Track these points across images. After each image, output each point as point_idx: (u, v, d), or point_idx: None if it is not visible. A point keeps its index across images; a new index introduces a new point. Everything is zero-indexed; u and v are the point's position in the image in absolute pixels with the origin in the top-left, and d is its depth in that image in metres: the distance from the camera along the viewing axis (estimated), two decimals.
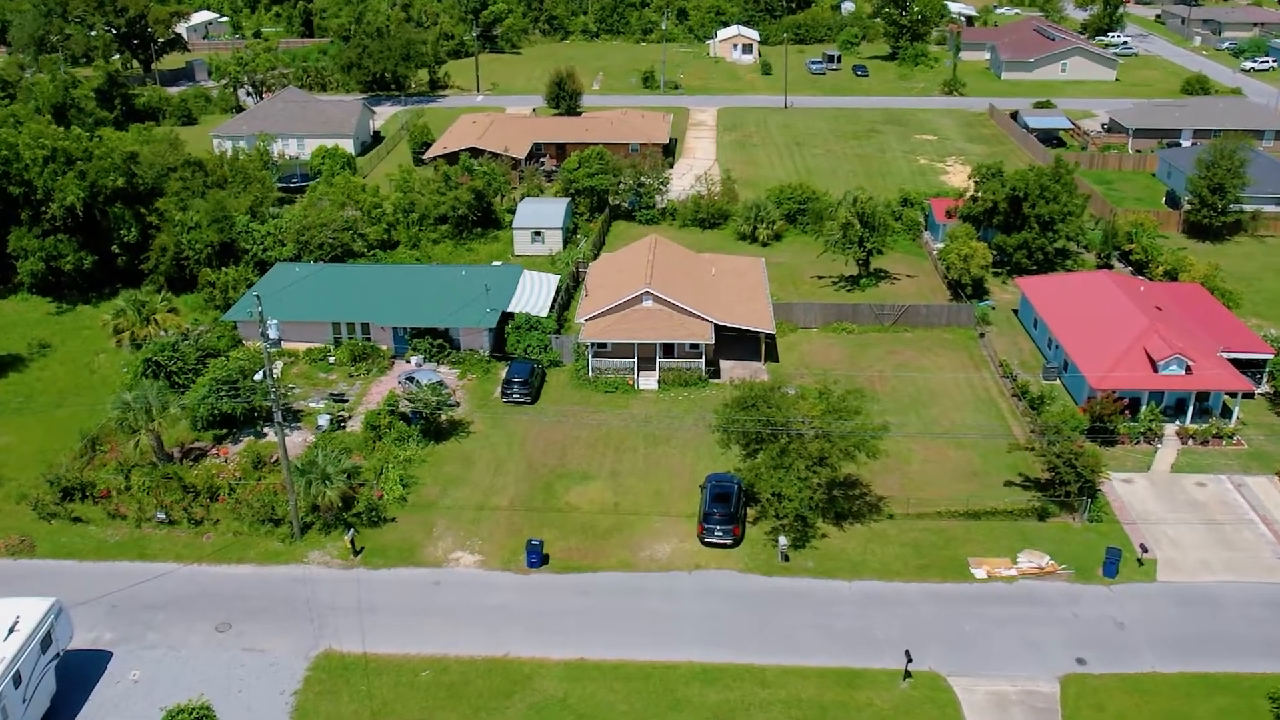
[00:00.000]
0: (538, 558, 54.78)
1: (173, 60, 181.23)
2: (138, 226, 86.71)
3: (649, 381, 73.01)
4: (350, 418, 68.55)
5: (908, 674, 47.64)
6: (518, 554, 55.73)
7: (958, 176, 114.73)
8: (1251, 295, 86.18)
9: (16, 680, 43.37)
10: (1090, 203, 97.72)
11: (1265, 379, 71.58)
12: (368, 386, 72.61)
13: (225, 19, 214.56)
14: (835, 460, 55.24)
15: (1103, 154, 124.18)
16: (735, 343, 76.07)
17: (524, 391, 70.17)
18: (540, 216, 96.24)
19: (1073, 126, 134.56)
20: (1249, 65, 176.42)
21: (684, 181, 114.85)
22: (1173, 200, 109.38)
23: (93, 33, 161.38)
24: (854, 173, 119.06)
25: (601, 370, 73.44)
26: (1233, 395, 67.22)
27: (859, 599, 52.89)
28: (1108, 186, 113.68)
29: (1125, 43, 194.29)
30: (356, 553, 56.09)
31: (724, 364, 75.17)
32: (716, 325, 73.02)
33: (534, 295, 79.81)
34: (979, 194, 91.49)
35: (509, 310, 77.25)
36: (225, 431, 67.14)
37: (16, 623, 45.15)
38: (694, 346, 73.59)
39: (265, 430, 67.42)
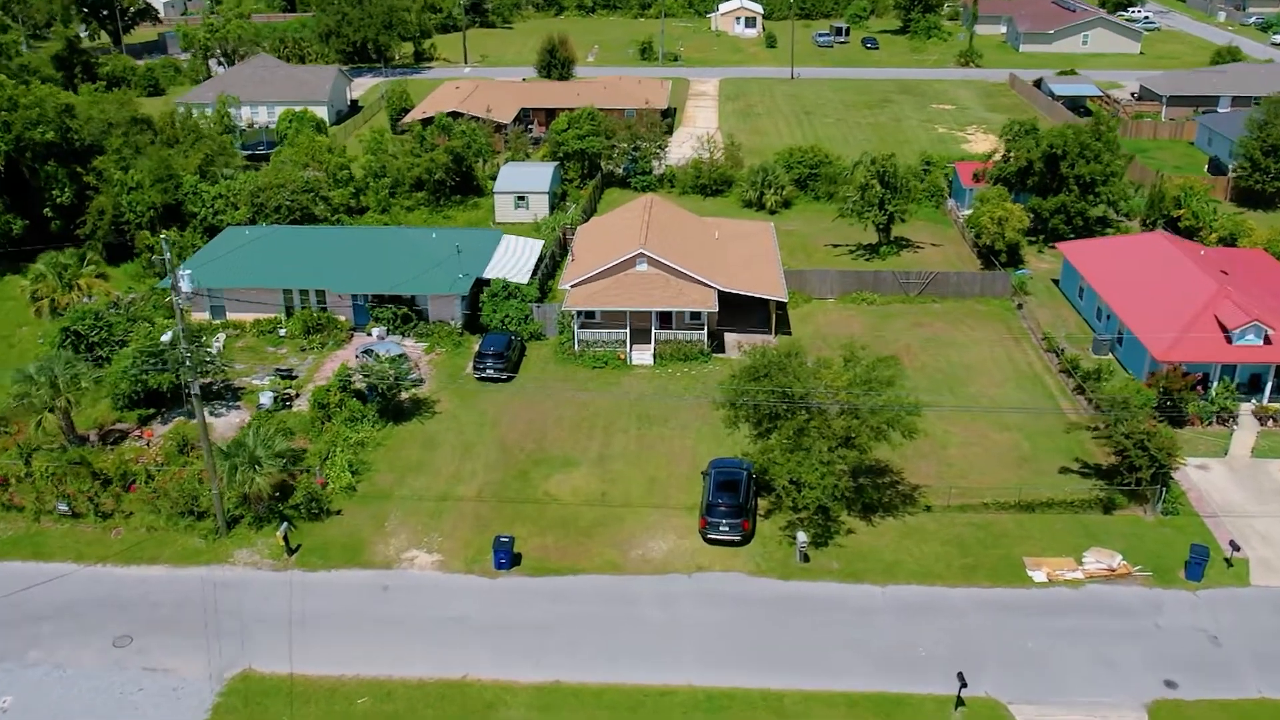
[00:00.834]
0: (507, 557, 45.56)
1: (144, 34, 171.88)
2: (72, 187, 77.47)
3: (643, 356, 63.79)
4: (298, 395, 59.39)
5: (960, 701, 38.40)
6: (484, 553, 46.52)
7: (981, 145, 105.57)
8: None
9: None
10: (1129, 169, 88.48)
11: None
12: (321, 361, 63.42)
13: None
14: (864, 441, 45.96)
15: (1135, 122, 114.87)
16: (741, 313, 66.85)
17: (499, 366, 60.99)
18: (524, 180, 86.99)
19: (1101, 94, 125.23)
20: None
21: (684, 150, 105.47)
22: (1216, 168, 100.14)
23: (52, 3, 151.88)
24: (868, 141, 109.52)
25: (589, 343, 64.22)
26: None
27: (895, 607, 43.66)
28: (1144, 155, 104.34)
29: (1147, 18, 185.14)
30: (291, 551, 46.90)
31: (729, 337, 65.96)
32: (720, 292, 63.83)
33: (514, 261, 70.59)
34: (1011, 153, 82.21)
35: (485, 277, 68.02)
36: (152, 411, 57.99)
37: None
38: (695, 316, 64.38)
39: None
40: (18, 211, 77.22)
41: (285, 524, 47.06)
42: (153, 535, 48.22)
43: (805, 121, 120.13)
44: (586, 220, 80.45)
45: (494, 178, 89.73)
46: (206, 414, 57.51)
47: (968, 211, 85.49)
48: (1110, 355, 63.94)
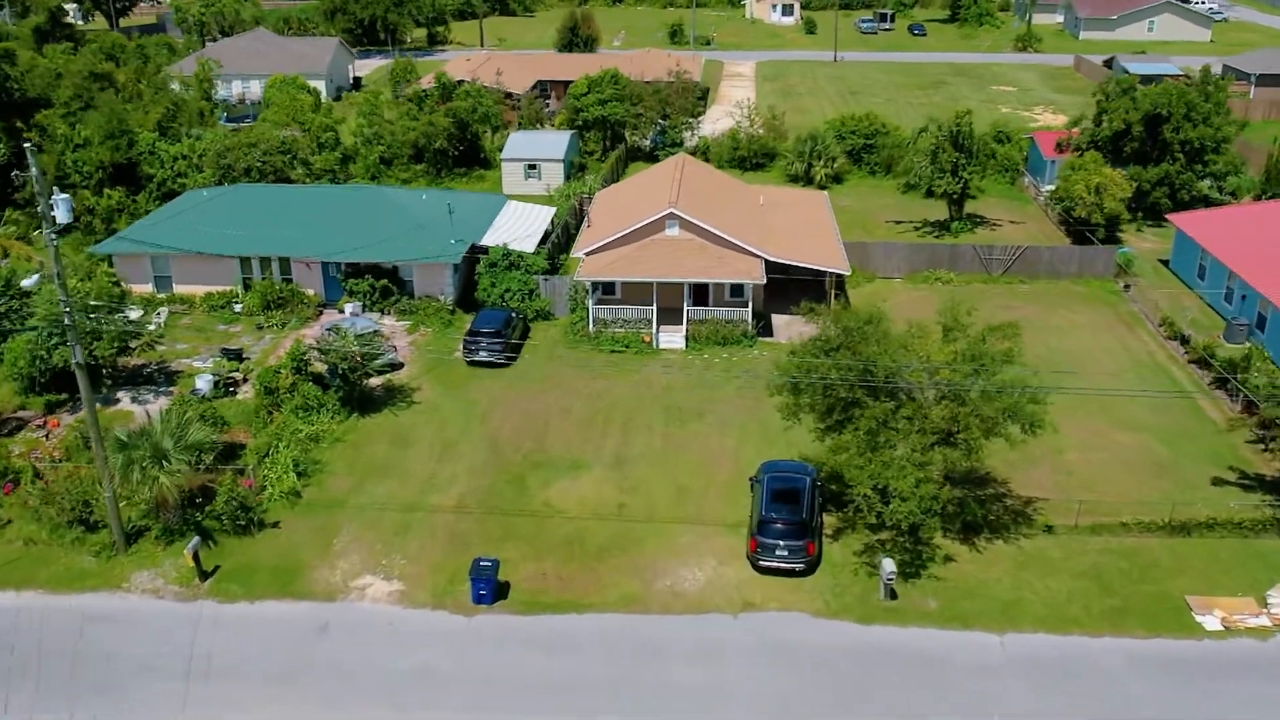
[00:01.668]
0: (490, 588, 33.84)
1: (144, 18, 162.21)
2: (8, 143, 66.61)
3: (673, 338, 52.09)
4: (245, 380, 48.00)
5: None
6: (459, 582, 34.82)
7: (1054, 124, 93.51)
8: None
9: None
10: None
11: None
12: (281, 341, 52.03)
13: None
14: (974, 435, 33.96)
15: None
16: (791, 292, 54.94)
17: (495, 348, 49.44)
18: (536, 147, 75.64)
19: (1181, 73, 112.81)
20: None
21: (718, 126, 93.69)
22: None
23: None
24: (924, 121, 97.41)
25: (606, 322, 52.61)
26: None
27: (1022, 664, 31.59)
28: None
29: (1213, 8, 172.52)
30: (204, 575, 35.37)
31: (777, 320, 54.21)
32: (768, 261, 52.15)
33: (519, 227, 59.14)
34: (1106, 114, 70.15)
35: (483, 245, 56.58)
36: (64, 397, 46.67)
37: None
38: (736, 292, 52.71)
39: (119, 395, 46.98)
40: None
41: (197, 539, 35.53)
42: (30, 551, 36.78)
43: (852, 100, 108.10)
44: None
45: (503, 149, 78.39)
46: (132, 402, 46.42)
47: (1050, 187, 73.56)
48: (1248, 342, 51.68)
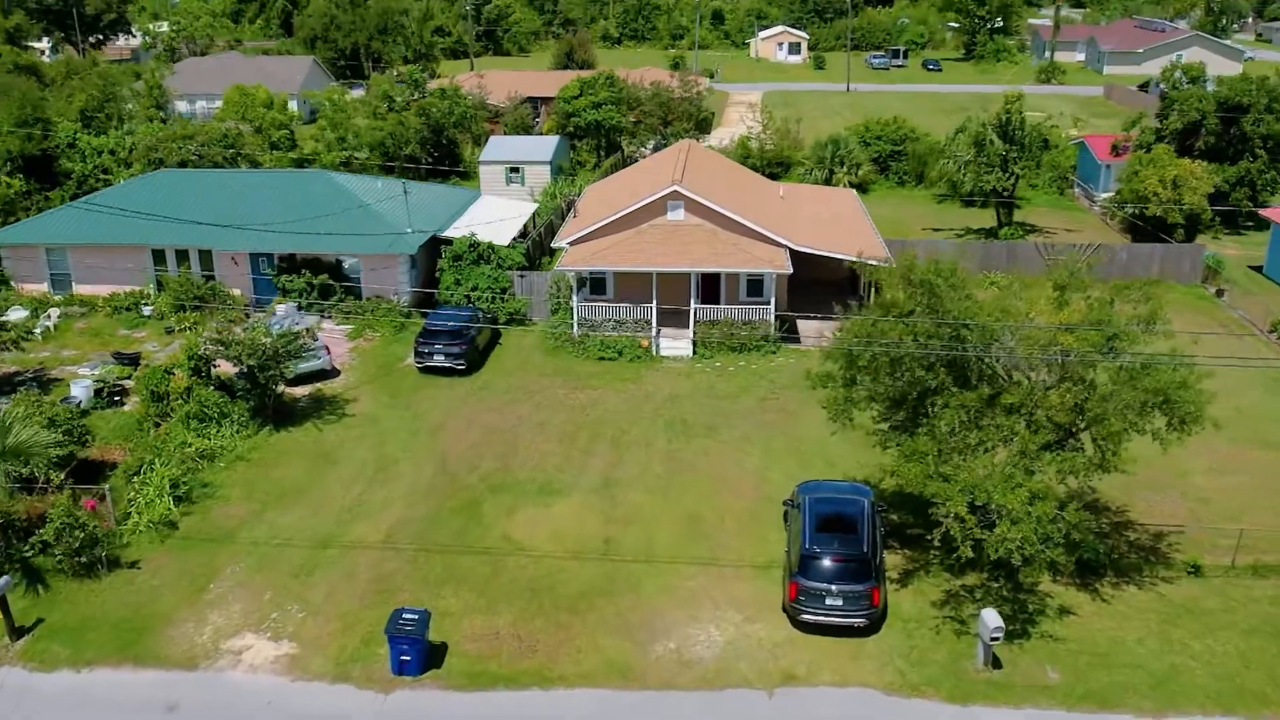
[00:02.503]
0: (414, 652, 23.49)
1: (119, 54, 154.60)
2: None
3: (677, 345, 42.10)
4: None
5: None
6: (376, 643, 24.48)
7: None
8: None
9: None
10: None
11: None
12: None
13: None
14: (1114, 430, 23.84)
15: None
16: (816, 293, 44.99)
17: (453, 352, 39.44)
18: (520, 149, 66.47)
19: None
20: None
21: (724, 144, 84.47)
22: None
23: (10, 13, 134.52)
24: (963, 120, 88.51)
25: (594, 324, 42.70)
26: None
27: None
28: None
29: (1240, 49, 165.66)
30: (16, 631, 25.07)
31: (803, 325, 44.27)
32: (792, 251, 42.42)
33: (491, 219, 49.48)
34: (1177, 104, 60.92)
35: (446, 236, 46.93)
36: None
37: None
38: (755, 287, 42.91)
39: None
40: None
41: (6, 579, 25.23)
42: None
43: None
44: None
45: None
46: None
47: (1106, 194, 64.27)
48: None
